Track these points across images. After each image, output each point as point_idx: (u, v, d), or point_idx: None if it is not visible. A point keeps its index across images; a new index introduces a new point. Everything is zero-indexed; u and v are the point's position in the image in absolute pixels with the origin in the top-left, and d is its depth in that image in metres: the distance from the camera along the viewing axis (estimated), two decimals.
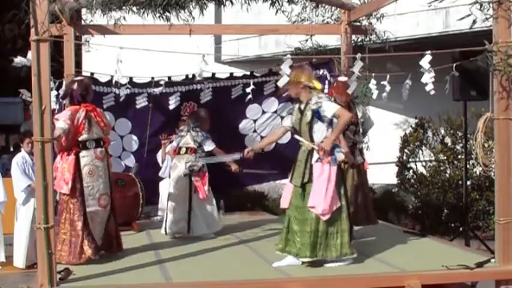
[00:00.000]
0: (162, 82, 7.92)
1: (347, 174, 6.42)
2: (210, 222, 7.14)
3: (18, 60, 5.67)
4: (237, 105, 8.24)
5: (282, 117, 8.40)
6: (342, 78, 6.76)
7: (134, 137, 8.21)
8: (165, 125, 8.15)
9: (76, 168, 5.66)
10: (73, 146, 5.70)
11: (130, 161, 8.24)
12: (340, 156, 5.43)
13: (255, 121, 8.43)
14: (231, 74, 8.69)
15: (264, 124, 8.43)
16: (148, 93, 8.07)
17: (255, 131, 8.44)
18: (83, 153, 5.72)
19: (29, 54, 4.92)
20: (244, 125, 8.40)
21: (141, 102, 8.09)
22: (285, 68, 5.82)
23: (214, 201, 7.33)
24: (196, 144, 7.10)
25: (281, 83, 6.16)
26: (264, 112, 8.42)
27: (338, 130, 5.41)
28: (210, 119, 7.38)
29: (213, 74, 8.25)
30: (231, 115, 8.33)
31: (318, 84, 5.56)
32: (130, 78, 8.06)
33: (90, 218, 5.70)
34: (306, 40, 8.21)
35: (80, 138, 5.72)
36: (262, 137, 8.41)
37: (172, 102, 8.16)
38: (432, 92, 5.84)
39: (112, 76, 7.93)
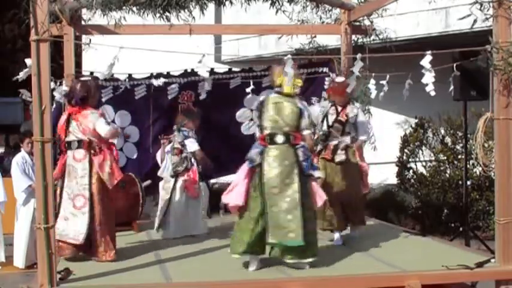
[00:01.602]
0: (161, 80, 7.94)
1: (331, 171, 6.41)
2: (194, 224, 7.10)
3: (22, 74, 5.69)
4: (234, 94, 8.27)
5: None
6: (339, 79, 6.75)
7: (135, 128, 8.23)
8: (164, 114, 8.18)
9: (61, 168, 5.78)
10: (62, 146, 5.85)
11: (133, 153, 8.25)
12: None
13: (252, 110, 8.46)
14: (230, 69, 8.71)
15: None
16: (146, 84, 8.11)
17: (251, 119, 8.46)
18: (68, 153, 5.79)
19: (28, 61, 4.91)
20: (241, 114, 8.43)
21: (140, 93, 8.12)
22: (288, 69, 5.83)
23: (201, 202, 7.29)
24: (180, 144, 7.08)
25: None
26: None
27: None
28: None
29: (212, 69, 8.29)
30: (229, 103, 8.39)
31: (283, 83, 5.43)
32: (130, 75, 8.09)
33: (64, 217, 5.68)
34: (309, 42, 8.23)
35: (66, 140, 5.81)
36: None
37: (171, 92, 8.19)
38: (433, 93, 5.84)
39: (112, 74, 7.99)
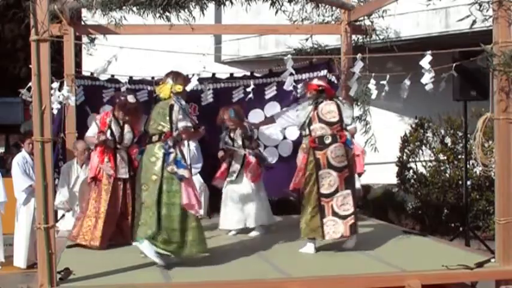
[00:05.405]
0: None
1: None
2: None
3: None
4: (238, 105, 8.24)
5: None
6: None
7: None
8: None
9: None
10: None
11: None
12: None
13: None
14: (231, 74, 8.68)
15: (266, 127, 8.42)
16: (148, 90, 8.08)
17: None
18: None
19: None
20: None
21: (142, 97, 8.07)
22: (289, 68, 5.84)
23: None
24: None
25: (287, 85, 6.14)
26: (266, 117, 8.41)
27: None
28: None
29: (213, 74, 8.24)
30: None
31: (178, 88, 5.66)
32: (130, 77, 8.07)
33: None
34: (306, 39, 8.22)
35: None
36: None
37: None
38: (431, 91, 5.84)
39: (112, 75, 8.01)
